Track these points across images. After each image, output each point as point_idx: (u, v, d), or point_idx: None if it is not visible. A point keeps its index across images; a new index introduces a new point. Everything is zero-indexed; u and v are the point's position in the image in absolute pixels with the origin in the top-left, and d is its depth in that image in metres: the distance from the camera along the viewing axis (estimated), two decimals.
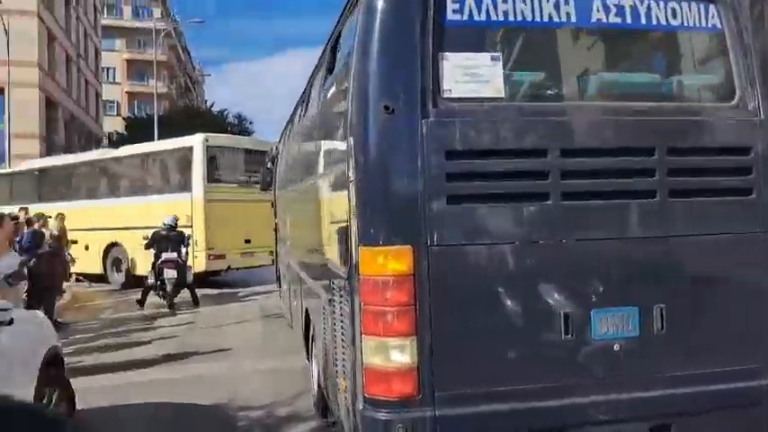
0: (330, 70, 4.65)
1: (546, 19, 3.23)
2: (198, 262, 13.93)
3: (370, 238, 3.03)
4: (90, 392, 5.77)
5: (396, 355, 2.97)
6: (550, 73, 3.45)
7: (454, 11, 3.13)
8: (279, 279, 10.34)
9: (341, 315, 3.70)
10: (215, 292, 14.13)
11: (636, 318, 3.17)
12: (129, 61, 55.42)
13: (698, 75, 3.79)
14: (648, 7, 3.33)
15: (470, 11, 3.15)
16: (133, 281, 14.77)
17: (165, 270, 12.13)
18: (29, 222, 11.10)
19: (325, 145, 4.45)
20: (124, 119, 44.20)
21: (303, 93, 6.87)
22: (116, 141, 34.33)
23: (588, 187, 3.16)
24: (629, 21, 3.32)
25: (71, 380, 4.90)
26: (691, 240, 3.28)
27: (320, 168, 4.62)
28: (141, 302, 12.32)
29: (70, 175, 17.92)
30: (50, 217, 12.13)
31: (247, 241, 14.95)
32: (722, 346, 3.30)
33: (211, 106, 48.04)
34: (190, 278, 12.59)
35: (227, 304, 12.62)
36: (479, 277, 3.07)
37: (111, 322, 10.99)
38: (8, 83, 23.33)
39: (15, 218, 10.79)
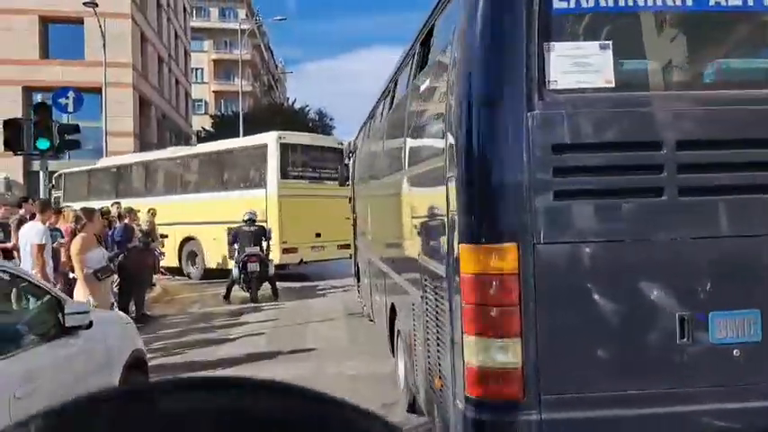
0: (420, 65, 4.59)
1: (659, 3, 3.04)
2: (272, 255, 14.22)
3: (472, 235, 2.95)
4: None
5: (500, 355, 2.88)
6: (664, 61, 3.26)
7: None
8: (357, 273, 10.38)
9: (436, 312, 3.64)
10: (297, 285, 14.34)
11: (758, 322, 2.95)
12: (216, 61, 57.24)
13: None
14: None
15: None
16: (209, 273, 15.30)
17: (249, 264, 12.38)
18: (120, 217, 11.43)
19: (416, 140, 4.39)
20: (211, 117, 45.60)
21: (385, 89, 6.84)
22: (204, 138, 35.55)
23: (706, 182, 2.96)
24: (750, 3, 3.09)
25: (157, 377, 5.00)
26: None
27: (410, 164, 4.57)
28: (227, 297, 12.61)
29: (147, 172, 18.45)
30: (139, 212, 12.46)
31: (318, 235, 15.20)
32: None
33: (293, 103, 48.85)
34: (272, 271, 12.86)
35: (308, 299, 12.70)
36: (587, 276, 2.93)
37: (198, 317, 11.19)
38: (104, 83, 24.40)
39: (107, 212, 11.25)
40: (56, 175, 20.10)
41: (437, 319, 3.60)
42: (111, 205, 12.70)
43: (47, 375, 3.69)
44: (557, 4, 2.99)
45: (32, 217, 8.53)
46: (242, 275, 12.49)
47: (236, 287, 12.64)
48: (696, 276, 2.96)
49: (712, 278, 2.96)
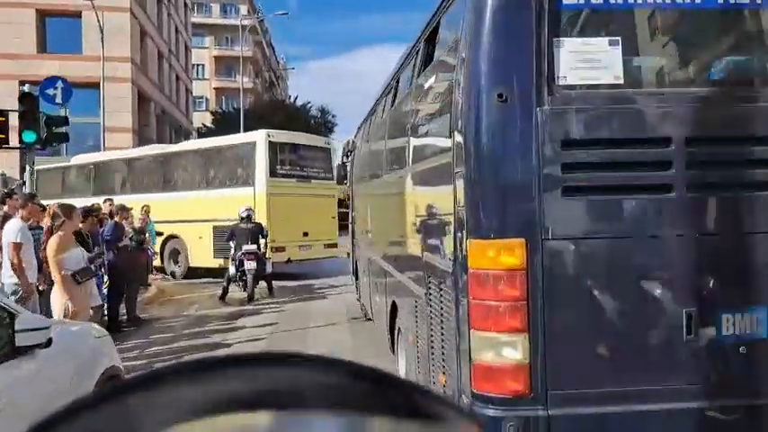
0: (425, 63, 4.57)
1: (669, 0, 3.04)
2: (269, 253, 14.15)
3: (480, 230, 2.95)
4: None
5: (507, 351, 2.88)
6: (674, 57, 3.26)
7: None
8: (355, 272, 10.34)
9: (441, 309, 3.63)
10: (292, 284, 14.21)
11: (765, 319, 2.95)
12: (217, 57, 57.21)
13: None
14: None
15: None
16: (192, 272, 15.21)
17: (246, 261, 12.20)
18: (110, 214, 10.67)
19: (420, 138, 4.37)
20: (212, 113, 45.56)
21: (386, 87, 6.81)
22: (204, 134, 35.51)
23: (715, 178, 2.96)
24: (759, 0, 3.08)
25: None
26: None
27: (414, 161, 4.55)
28: (223, 297, 12.35)
29: (127, 169, 18.11)
30: (132, 209, 11.55)
31: (305, 234, 15.22)
32: None
33: (295, 99, 48.82)
34: (269, 269, 12.75)
35: (307, 302, 12.30)
36: (595, 272, 2.94)
37: (194, 320, 10.59)
38: (102, 78, 24.19)
39: (98, 209, 10.23)
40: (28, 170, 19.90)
41: (443, 315, 3.60)
42: (104, 202, 11.89)
43: None
44: (566, 0, 2.98)
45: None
46: (238, 273, 12.34)
47: (232, 287, 12.44)
48: (704, 273, 2.96)
49: (720, 275, 2.96)
